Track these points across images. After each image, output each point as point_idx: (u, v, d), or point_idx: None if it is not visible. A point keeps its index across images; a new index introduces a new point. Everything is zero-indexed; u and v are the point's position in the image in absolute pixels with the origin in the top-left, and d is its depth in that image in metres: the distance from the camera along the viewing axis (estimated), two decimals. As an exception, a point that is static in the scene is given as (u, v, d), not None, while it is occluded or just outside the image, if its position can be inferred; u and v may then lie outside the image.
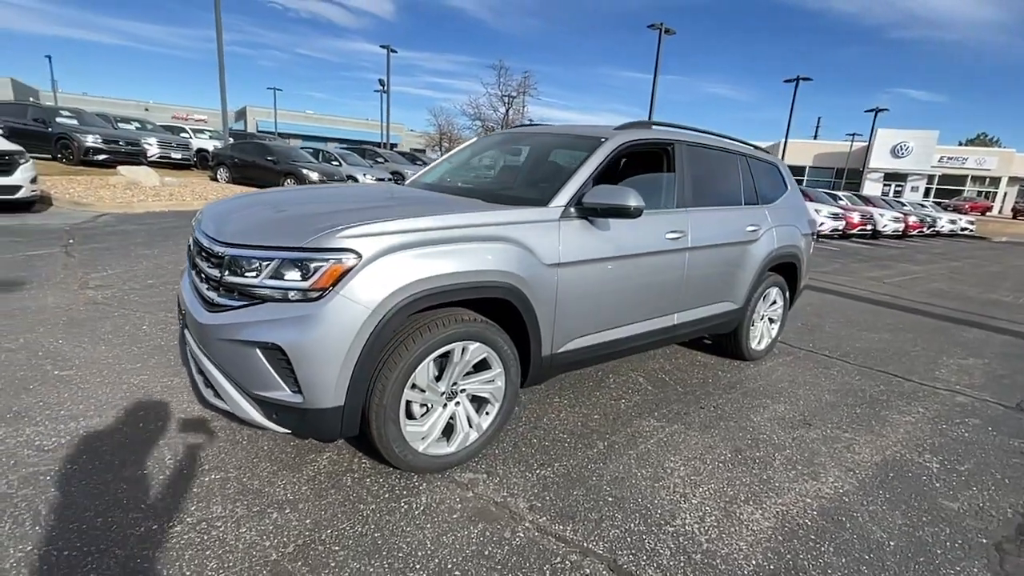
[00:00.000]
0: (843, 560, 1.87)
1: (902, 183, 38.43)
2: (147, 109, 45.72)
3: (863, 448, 2.71)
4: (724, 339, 3.80)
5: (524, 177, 3.03)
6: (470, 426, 2.23)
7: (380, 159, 18.68)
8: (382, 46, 25.11)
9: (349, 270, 1.77)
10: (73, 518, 1.74)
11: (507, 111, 30.07)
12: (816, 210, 14.48)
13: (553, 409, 2.85)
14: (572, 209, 2.39)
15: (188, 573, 1.56)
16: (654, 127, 3.04)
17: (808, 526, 2.03)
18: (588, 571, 1.71)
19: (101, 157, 11.81)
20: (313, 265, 1.76)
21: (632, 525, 1.95)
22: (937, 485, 2.42)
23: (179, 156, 14.59)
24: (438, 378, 2.10)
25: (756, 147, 4.01)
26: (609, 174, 3.29)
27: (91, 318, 3.57)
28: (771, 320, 3.98)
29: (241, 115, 52.47)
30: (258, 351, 1.77)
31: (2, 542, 1.61)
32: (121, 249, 5.81)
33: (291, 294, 1.77)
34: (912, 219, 18.66)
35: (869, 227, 16.41)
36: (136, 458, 2.09)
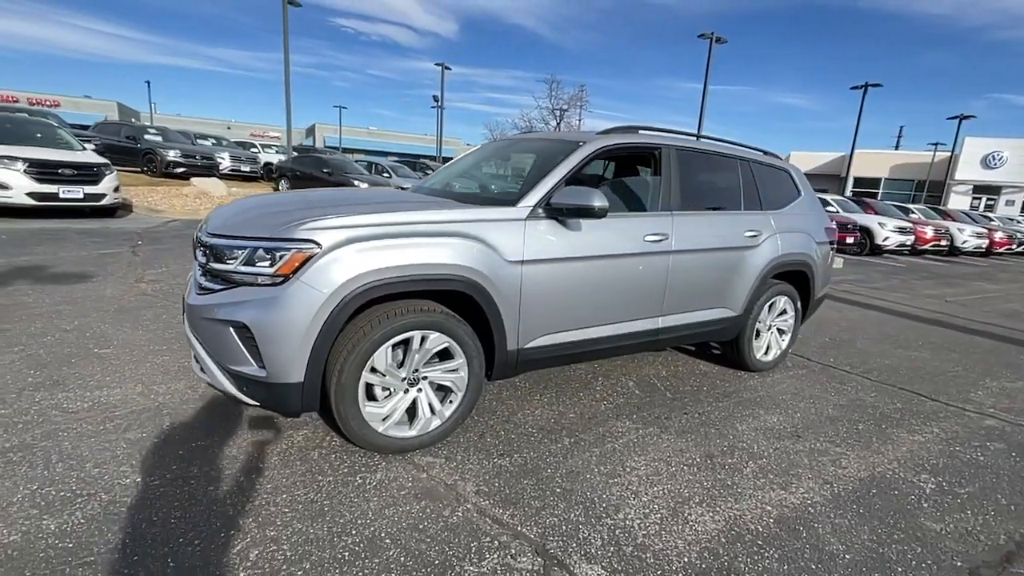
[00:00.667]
0: (785, 567, 1.81)
1: (995, 196, 34.88)
2: (229, 127, 49.95)
3: (851, 463, 2.57)
4: (726, 347, 3.70)
5: (505, 180, 3.15)
6: (432, 413, 2.35)
7: (429, 171, 19.41)
8: (436, 63, 26.29)
9: (310, 258, 1.96)
10: (75, 467, 2.02)
11: (558, 124, 30.29)
12: (880, 223, 13.55)
13: (531, 405, 2.92)
14: (540, 209, 2.48)
15: (155, 519, 1.78)
16: (641, 132, 3.08)
17: (758, 532, 1.98)
18: (514, 551, 1.78)
19: (180, 170, 13.12)
20: (279, 253, 1.96)
21: (572, 515, 1.99)
22: (924, 505, 2.26)
23: (248, 169, 15.91)
24: (401, 364, 2.24)
25: (769, 153, 3.92)
26: (593, 178, 3.36)
27: (137, 307, 4.03)
28: (780, 331, 3.83)
29: (311, 132, 56.12)
30: (231, 329, 1.99)
31: (16, 481, 1.91)
32: (180, 250, 6.46)
33: (260, 279, 1.98)
34: (999, 235, 16.97)
35: (944, 243, 15.10)
36: (140, 423, 2.37)
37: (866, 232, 13.49)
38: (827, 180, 36.84)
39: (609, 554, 1.80)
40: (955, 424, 3.15)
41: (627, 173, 3.14)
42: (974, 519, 2.20)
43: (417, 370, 2.28)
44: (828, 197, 14.81)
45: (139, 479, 1.98)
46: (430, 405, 2.35)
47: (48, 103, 37.32)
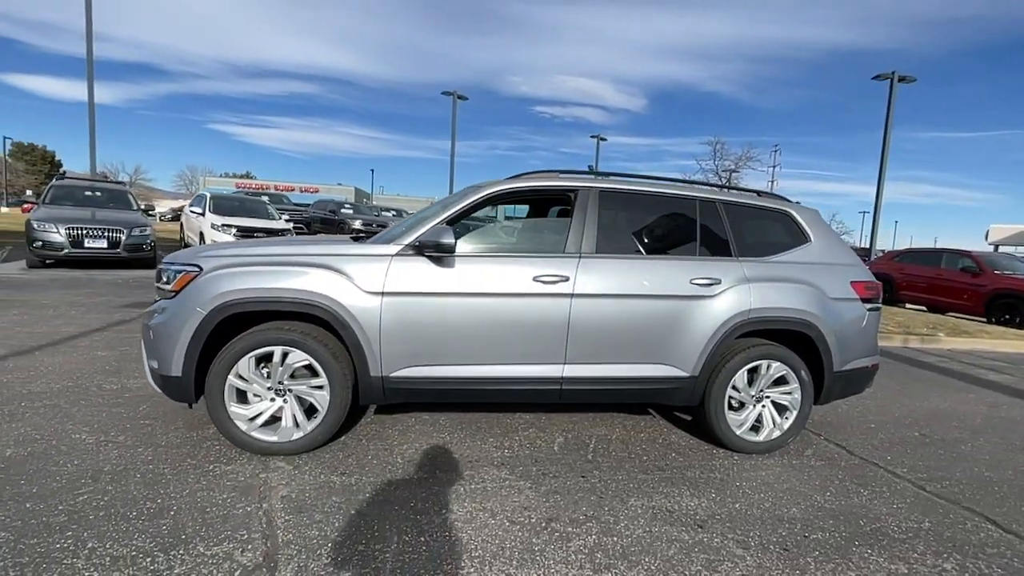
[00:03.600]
0: (483, 641, 1.56)
1: None
2: (431, 203, 59.64)
3: (735, 572, 1.98)
4: (693, 415, 3.15)
5: (409, 224, 3.23)
6: (295, 424, 2.63)
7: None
8: (592, 136, 27.69)
9: (192, 279, 2.53)
10: (60, 423, 2.83)
11: (723, 186, 28.57)
12: None
13: (426, 440, 2.95)
14: (410, 248, 2.68)
15: (61, 462, 2.42)
16: (561, 175, 3.05)
17: (500, 600, 1.72)
18: (249, 547, 1.91)
19: (361, 235, 16.31)
20: (177, 274, 2.58)
21: (337, 535, 2.02)
22: (785, 642, 1.64)
23: (415, 235, 18.99)
24: (270, 374, 2.61)
25: (767, 194, 3.40)
26: (506, 219, 3.36)
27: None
28: (779, 406, 3.10)
29: (495, 204, 63.32)
30: (149, 330, 2.65)
31: (20, 424, 2.78)
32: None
33: (167, 293, 2.62)
34: None
35: None
36: (128, 404, 3.18)
37: None
38: None
39: (328, 573, 1.80)
40: (998, 565, 2.12)
41: (544, 215, 3.08)
42: None
43: (282, 382, 2.62)
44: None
45: (83, 437, 2.70)
46: (294, 417, 2.64)
47: (311, 190, 50.17)
